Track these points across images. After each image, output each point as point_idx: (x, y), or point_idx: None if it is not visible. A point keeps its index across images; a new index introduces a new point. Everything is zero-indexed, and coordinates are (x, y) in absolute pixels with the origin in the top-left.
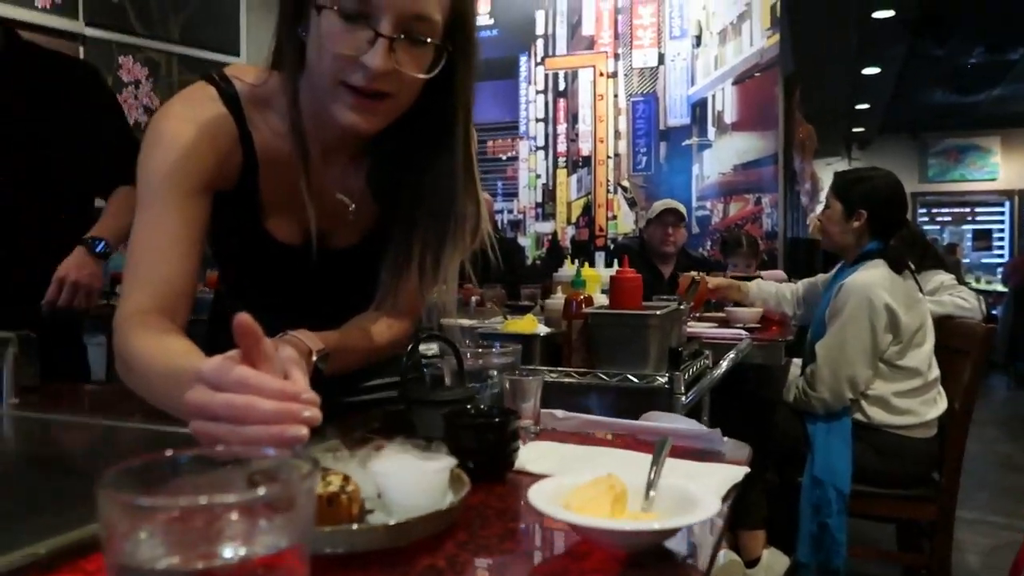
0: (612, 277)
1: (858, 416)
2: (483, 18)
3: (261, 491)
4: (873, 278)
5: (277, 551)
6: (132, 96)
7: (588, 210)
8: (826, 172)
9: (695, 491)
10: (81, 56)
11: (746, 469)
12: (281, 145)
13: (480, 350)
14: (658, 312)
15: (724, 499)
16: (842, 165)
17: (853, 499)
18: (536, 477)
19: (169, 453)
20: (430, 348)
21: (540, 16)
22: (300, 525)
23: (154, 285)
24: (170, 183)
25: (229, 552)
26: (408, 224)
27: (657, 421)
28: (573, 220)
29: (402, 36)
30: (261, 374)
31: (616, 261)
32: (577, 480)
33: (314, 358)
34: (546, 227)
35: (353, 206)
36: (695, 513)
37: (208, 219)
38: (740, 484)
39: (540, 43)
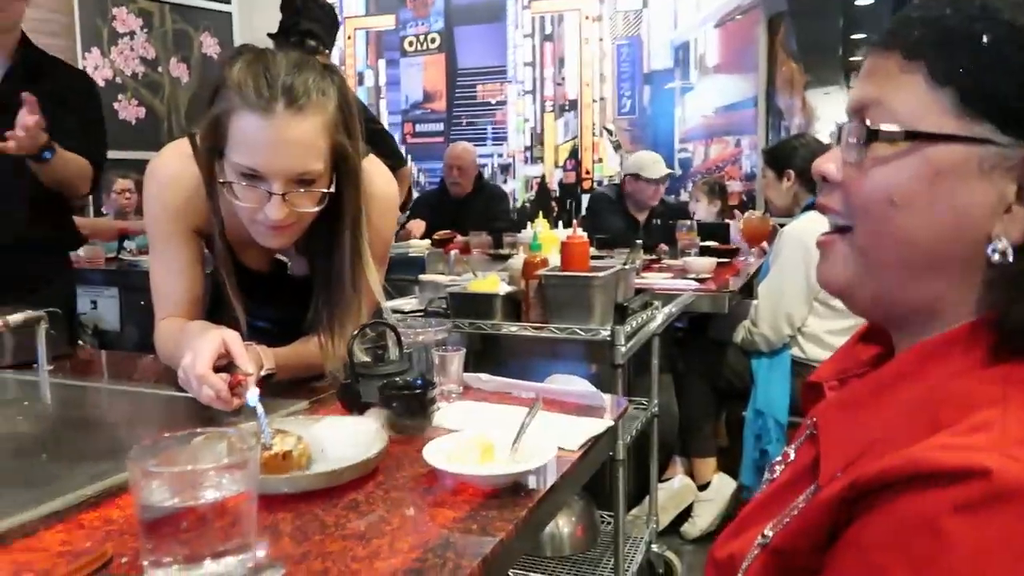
0: (562, 242)
1: (796, 352)
2: None
3: (225, 460)
4: (807, 224)
5: (236, 493)
6: (128, 48)
7: (575, 153)
8: (823, 102)
9: (547, 444)
10: (76, 10)
11: (610, 422)
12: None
13: (419, 329)
14: (601, 273)
15: (583, 446)
16: (840, 94)
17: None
18: (450, 431)
19: (167, 435)
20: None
21: None
22: (249, 477)
23: (173, 301)
24: (171, 228)
25: (208, 494)
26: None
27: (558, 383)
28: (560, 163)
29: (294, 186)
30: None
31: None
32: (462, 437)
33: (262, 372)
34: (535, 170)
35: (291, 263)
36: (535, 461)
37: (202, 248)
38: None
39: None
